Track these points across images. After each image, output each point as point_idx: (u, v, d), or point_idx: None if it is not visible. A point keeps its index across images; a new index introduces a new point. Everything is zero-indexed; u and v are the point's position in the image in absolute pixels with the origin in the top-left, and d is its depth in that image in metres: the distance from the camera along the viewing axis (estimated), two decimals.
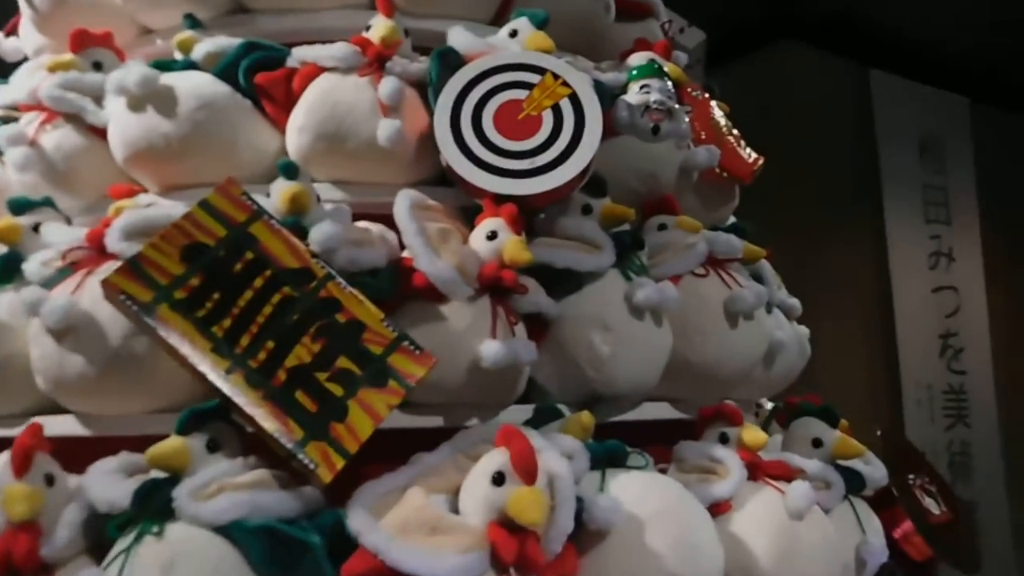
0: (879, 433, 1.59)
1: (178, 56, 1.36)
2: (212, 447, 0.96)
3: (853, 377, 4.08)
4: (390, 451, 1.07)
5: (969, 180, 4.76)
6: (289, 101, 1.29)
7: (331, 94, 1.24)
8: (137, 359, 1.06)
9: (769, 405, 1.77)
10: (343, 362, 0.98)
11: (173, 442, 0.94)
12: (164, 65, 1.30)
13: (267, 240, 1.00)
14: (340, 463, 0.93)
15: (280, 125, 1.30)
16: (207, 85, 1.26)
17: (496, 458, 0.96)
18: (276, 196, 1.08)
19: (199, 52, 1.32)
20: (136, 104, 1.25)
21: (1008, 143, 5.01)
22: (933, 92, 4.62)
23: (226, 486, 0.92)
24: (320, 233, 1.02)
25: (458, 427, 1.14)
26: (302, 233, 1.06)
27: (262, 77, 1.28)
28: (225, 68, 1.29)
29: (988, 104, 4.85)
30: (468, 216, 1.24)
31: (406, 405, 1.14)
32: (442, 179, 1.28)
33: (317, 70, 1.28)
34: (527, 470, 0.92)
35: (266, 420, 0.93)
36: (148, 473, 0.97)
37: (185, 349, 0.92)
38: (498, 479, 0.93)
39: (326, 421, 0.95)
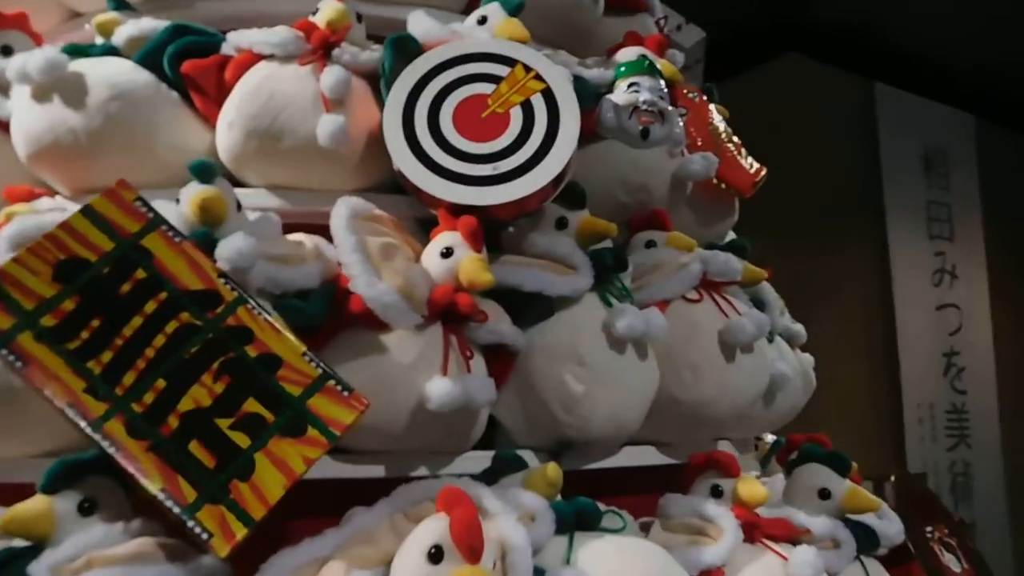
0: (892, 479, 1.42)
1: (99, 41, 1.18)
2: (87, 508, 0.80)
3: (854, 396, 4.02)
4: (322, 505, 0.90)
5: (973, 196, 4.75)
6: (221, 93, 1.11)
7: (266, 85, 1.07)
8: (15, 393, 0.89)
9: (770, 437, 1.61)
10: (252, 406, 0.80)
11: (35, 503, 0.77)
12: (79, 50, 1.13)
13: (164, 256, 0.82)
14: (241, 532, 0.76)
15: (211, 121, 1.13)
16: (123, 73, 1.09)
17: (434, 527, 0.78)
18: (185, 202, 0.91)
19: (120, 36, 1.15)
20: (41, 94, 1.08)
21: (1013, 159, 5.05)
22: (938, 107, 4.62)
23: (96, 560, 0.75)
24: (229, 247, 0.85)
25: (404, 478, 0.96)
26: (215, 248, 0.88)
27: (190, 65, 1.11)
28: (148, 54, 1.12)
29: (993, 120, 4.85)
30: (426, 230, 1.07)
31: (341, 452, 0.98)
32: (397, 187, 1.11)
33: (253, 57, 1.10)
34: (470, 545, 0.74)
35: (149, 478, 0.76)
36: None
37: (49, 390, 0.75)
38: (435, 555, 0.76)
39: (226, 479, 0.77)
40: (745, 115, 1.58)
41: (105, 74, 1.08)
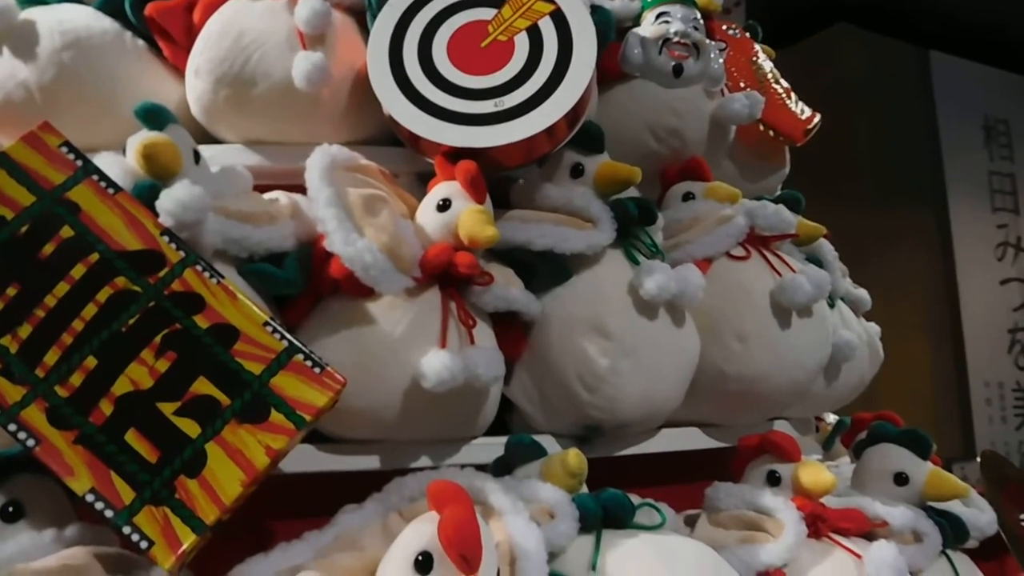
0: (978, 459, 1.24)
1: None
2: (12, 513, 0.67)
3: (917, 377, 3.88)
4: (308, 504, 0.78)
5: None
6: (190, 39, 0.99)
7: (234, 23, 0.93)
8: None
9: (832, 417, 1.44)
10: (202, 386, 0.66)
11: None
12: None
13: (95, 210, 0.69)
14: (189, 540, 0.62)
15: (181, 71, 1.00)
16: (78, 19, 0.96)
17: (422, 530, 0.64)
18: (130, 152, 0.78)
19: None
20: None
21: None
22: (997, 73, 4.44)
23: (17, 573, 0.61)
24: (170, 198, 0.71)
25: (402, 470, 0.82)
26: None
27: (154, 8, 0.98)
28: None
29: None
30: (426, 185, 0.93)
31: (330, 441, 0.84)
32: (394, 139, 0.97)
33: None
34: (463, 553, 0.60)
35: (76, 476, 0.63)
36: None
37: None
38: (423, 564, 0.61)
39: (171, 475, 0.64)
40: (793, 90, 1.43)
41: (56, 21, 0.95)
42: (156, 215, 0.71)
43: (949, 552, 1.00)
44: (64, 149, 0.70)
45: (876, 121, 3.96)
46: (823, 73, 3.82)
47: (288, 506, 0.81)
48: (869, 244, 3.66)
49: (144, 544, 0.62)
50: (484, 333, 0.84)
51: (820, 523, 0.89)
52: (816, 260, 1.21)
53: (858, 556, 0.86)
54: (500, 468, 0.84)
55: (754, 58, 1.30)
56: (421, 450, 0.86)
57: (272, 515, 0.83)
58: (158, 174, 0.75)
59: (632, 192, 0.99)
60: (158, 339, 0.67)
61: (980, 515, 1.05)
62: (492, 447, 0.87)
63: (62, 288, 0.66)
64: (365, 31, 0.98)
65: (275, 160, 0.97)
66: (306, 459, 0.83)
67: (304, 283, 0.81)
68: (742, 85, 1.24)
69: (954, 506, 1.04)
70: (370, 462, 0.85)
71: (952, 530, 1.00)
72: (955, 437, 4.00)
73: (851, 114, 3.82)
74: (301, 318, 0.83)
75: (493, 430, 0.92)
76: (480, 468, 0.80)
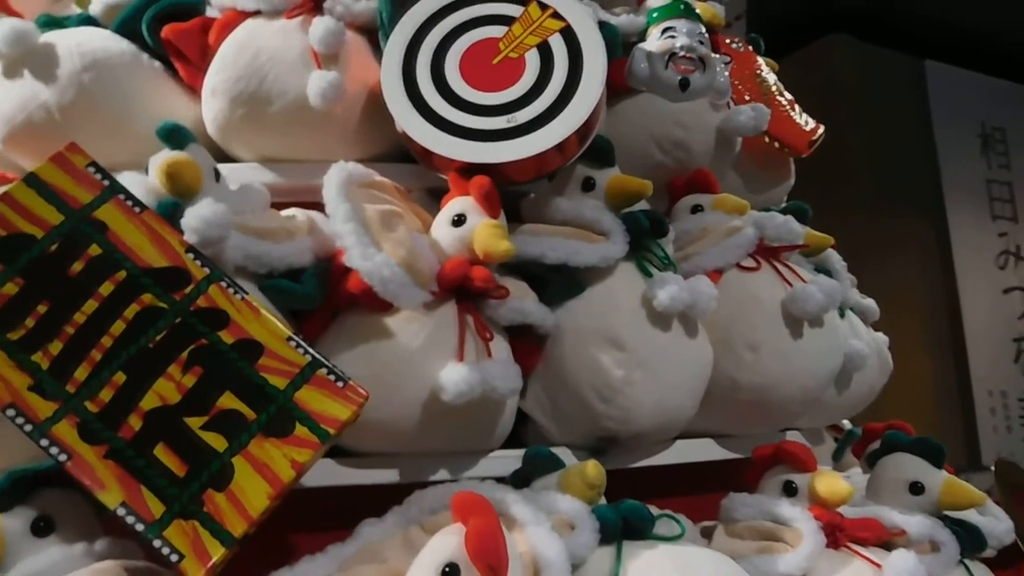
0: (992, 468, 1.24)
1: (76, 11, 1.08)
2: (43, 528, 0.68)
3: (920, 387, 3.86)
4: (328, 517, 0.79)
5: None
6: (206, 60, 1.00)
7: (250, 43, 0.95)
8: None
9: (846, 425, 1.44)
10: (228, 401, 0.67)
11: None
12: (53, 21, 1.04)
13: (121, 229, 0.70)
14: (218, 552, 0.63)
15: (197, 91, 1.02)
16: (96, 41, 0.98)
17: (448, 542, 0.64)
18: (153, 171, 0.79)
19: (97, 5, 1.05)
20: (10, 69, 0.98)
21: None
22: (994, 82, 4.43)
23: None
24: (194, 216, 0.72)
25: (421, 483, 0.83)
26: None
27: (170, 30, 1.00)
28: (126, 21, 1.03)
29: None
30: (440, 202, 0.94)
31: (348, 455, 0.85)
32: (407, 156, 0.98)
33: (238, 16, 0.99)
34: (490, 563, 0.60)
35: (107, 490, 0.63)
36: None
37: None
38: (450, 575, 0.62)
39: (199, 489, 0.65)
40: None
41: (75, 43, 0.97)
42: (180, 233, 0.72)
43: (967, 561, 1.00)
44: (91, 169, 0.72)
45: (872, 130, 3.96)
46: (819, 83, 3.83)
47: (310, 520, 0.82)
48: (867, 254, 3.65)
49: (174, 557, 0.62)
50: (500, 346, 0.85)
51: (838, 533, 0.88)
52: (824, 270, 1.22)
53: (877, 565, 0.85)
54: (518, 480, 0.84)
55: (758, 71, 1.32)
56: (439, 463, 0.87)
57: (295, 529, 0.84)
58: (180, 192, 0.77)
59: (642, 205, 1.01)
60: (185, 354, 0.68)
61: (997, 524, 1.04)
62: (509, 460, 0.87)
63: (91, 305, 0.68)
64: (378, 50, 0.99)
65: (290, 177, 0.98)
66: (327, 473, 0.84)
67: (322, 298, 0.82)
68: (747, 98, 1.25)
69: (970, 515, 1.03)
70: (389, 475, 0.86)
71: (969, 539, 0.99)
72: (960, 448, 3.98)
73: (847, 124, 3.81)
74: (318, 332, 0.84)
75: (508, 443, 0.92)
76: (498, 480, 0.80)
